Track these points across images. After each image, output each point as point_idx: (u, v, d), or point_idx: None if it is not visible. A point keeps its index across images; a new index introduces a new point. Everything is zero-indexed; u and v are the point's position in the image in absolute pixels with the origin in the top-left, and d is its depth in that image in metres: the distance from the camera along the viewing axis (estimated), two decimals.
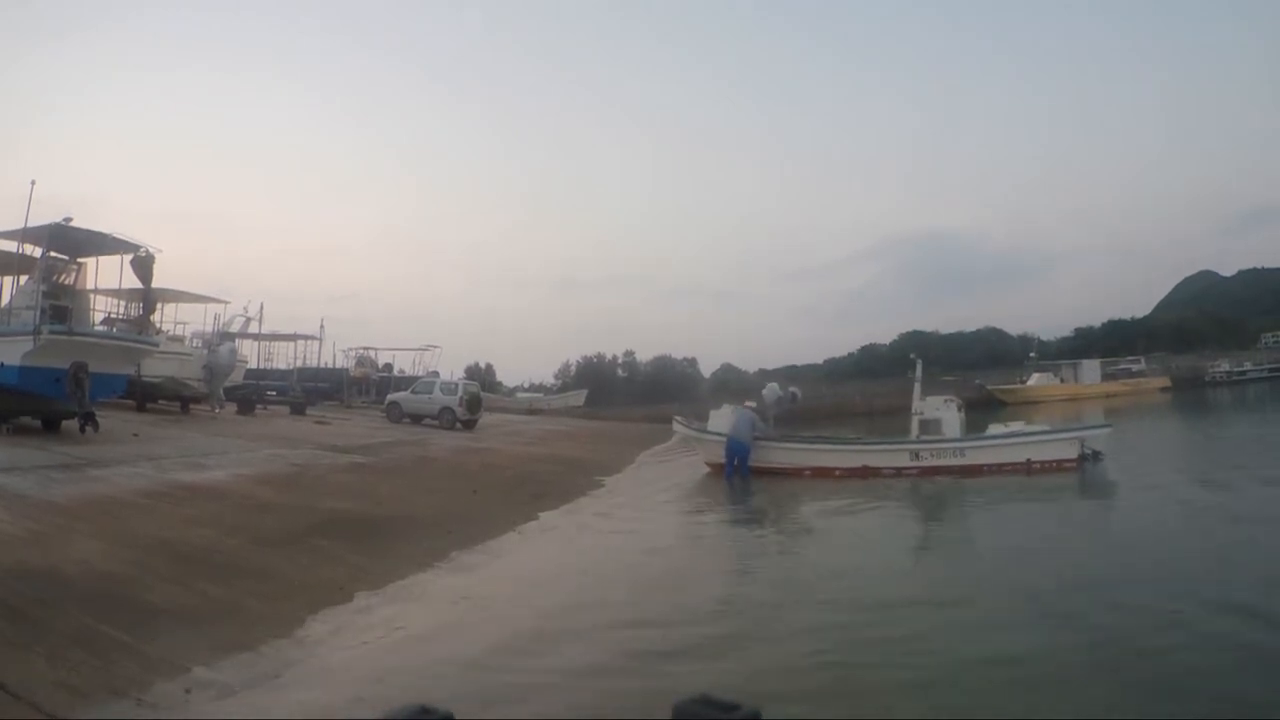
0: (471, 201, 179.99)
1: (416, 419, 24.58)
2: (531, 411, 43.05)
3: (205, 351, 23.47)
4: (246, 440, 15.17)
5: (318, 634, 5.78)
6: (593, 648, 5.63)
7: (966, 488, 13.58)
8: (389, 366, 36.83)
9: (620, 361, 77.41)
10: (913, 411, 16.26)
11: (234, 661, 5.00)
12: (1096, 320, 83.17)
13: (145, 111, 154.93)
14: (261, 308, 30.57)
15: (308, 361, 34.72)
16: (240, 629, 5.55)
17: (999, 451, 15.28)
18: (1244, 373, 55.47)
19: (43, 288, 15.79)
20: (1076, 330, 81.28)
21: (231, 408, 21.97)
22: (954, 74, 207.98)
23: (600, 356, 76.53)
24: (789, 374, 54.47)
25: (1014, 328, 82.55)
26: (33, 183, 14.90)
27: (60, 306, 16.11)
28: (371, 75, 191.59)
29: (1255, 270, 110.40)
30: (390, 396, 26.86)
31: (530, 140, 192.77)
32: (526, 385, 62.75)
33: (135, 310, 19.62)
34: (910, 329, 79.36)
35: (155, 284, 18.10)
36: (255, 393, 24.54)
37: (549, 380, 71.80)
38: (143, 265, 16.88)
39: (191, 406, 20.25)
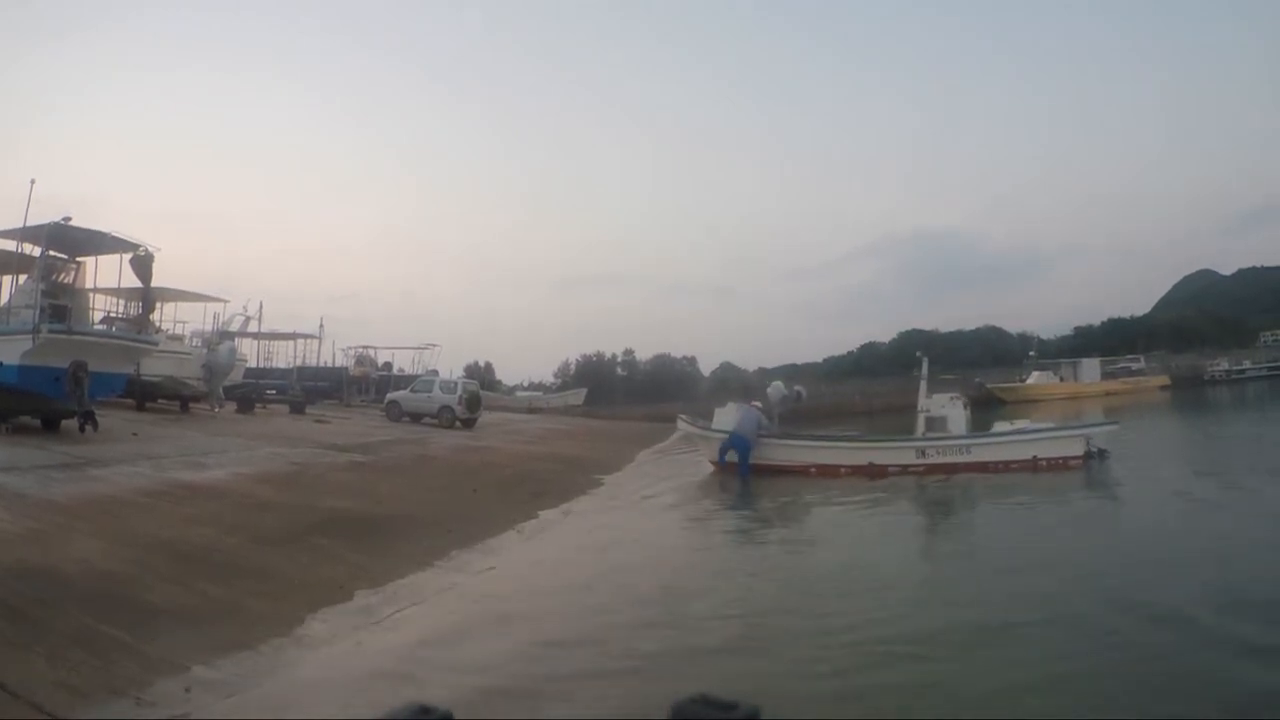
0: (471, 201, 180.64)
1: (416, 418, 24.57)
2: (531, 410, 43.01)
3: (204, 350, 23.49)
4: (246, 439, 15.15)
5: (317, 633, 5.78)
6: (593, 647, 5.63)
7: (975, 485, 13.54)
8: (388, 365, 36.80)
9: (620, 360, 77.55)
10: (919, 409, 16.25)
11: (234, 660, 5.00)
12: (1096, 319, 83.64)
13: (145, 111, 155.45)
14: (261, 307, 30.65)
15: (307, 360, 34.77)
16: (240, 628, 5.55)
17: (1006, 449, 15.24)
18: (1243, 371, 55.57)
19: (42, 287, 15.80)
20: (1076, 329, 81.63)
21: (231, 407, 21.95)
22: (954, 74, 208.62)
23: (600, 355, 76.76)
24: (789, 372, 54.37)
25: (1013, 326, 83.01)
26: (32, 182, 14.93)
27: (59, 305, 16.12)
28: (371, 75, 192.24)
29: (1255, 269, 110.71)
30: (390, 395, 26.84)
31: (530, 140, 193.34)
32: (526, 384, 62.58)
33: (134, 309, 19.65)
34: (910, 327, 79.80)
35: (154, 283, 18.13)
36: (255, 391, 24.52)
37: (548, 379, 71.80)
38: (142, 264, 16.89)
39: (191, 405, 20.21)
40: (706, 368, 79.46)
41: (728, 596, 7.18)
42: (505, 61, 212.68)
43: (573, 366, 74.93)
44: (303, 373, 32.59)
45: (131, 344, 16.91)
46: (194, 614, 5.65)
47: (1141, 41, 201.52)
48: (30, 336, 14.42)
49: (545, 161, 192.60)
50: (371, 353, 37.92)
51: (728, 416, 16.79)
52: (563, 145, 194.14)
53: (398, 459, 15.28)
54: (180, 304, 27.10)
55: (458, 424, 24.53)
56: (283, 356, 35.26)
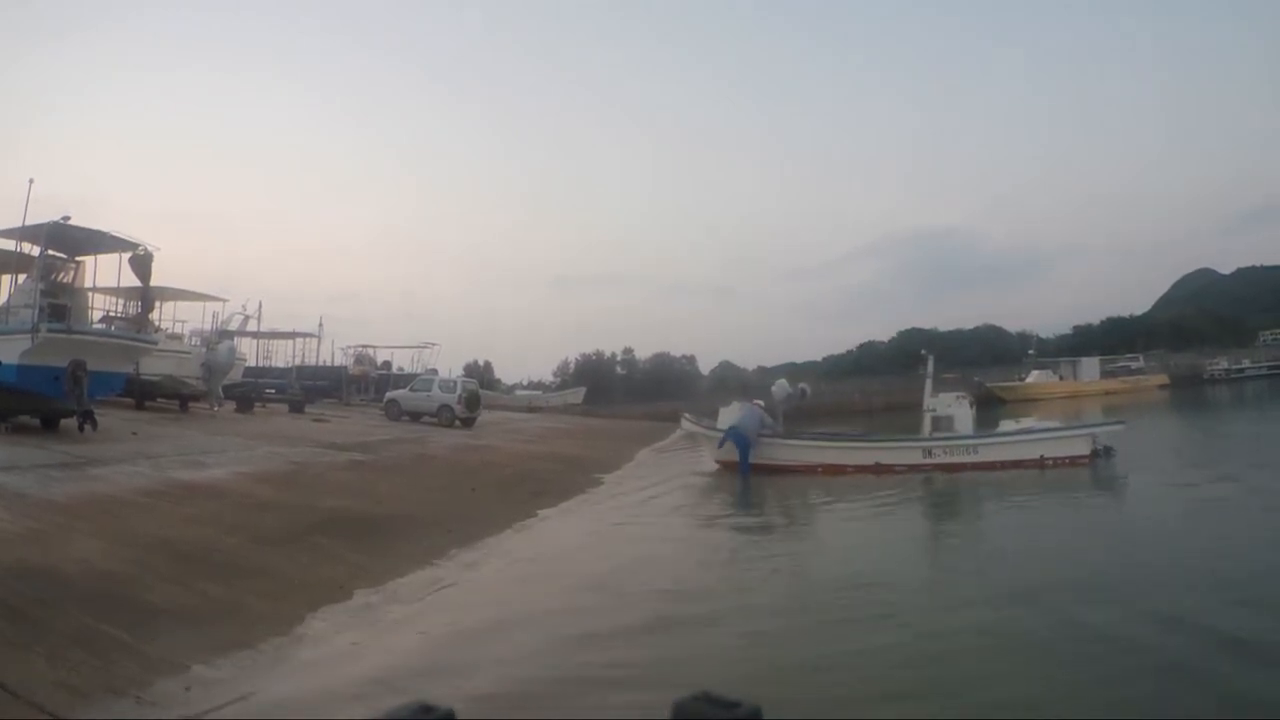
0: (471, 201, 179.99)
1: (415, 417, 24.57)
2: (530, 409, 43.01)
3: (204, 349, 23.43)
4: (245, 438, 15.14)
5: (318, 632, 5.79)
6: (593, 647, 5.64)
7: (983, 484, 13.50)
8: (388, 364, 36.79)
9: (619, 359, 77.56)
10: (925, 408, 16.21)
11: (234, 660, 5.00)
12: (1095, 318, 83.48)
13: (145, 111, 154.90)
14: (260, 306, 30.56)
15: (306, 359, 34.73)
16: (240, 627, 5.55)
17: (1013, 448, 15.22)
18: (1242, 370, 55.51)
19: (41, 286, 15.75)
20: (1075, 328, 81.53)
21: (230, 406, 21.93)
22: (954, 74, 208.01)
23: (599, 354, 76.77)
24: (788, 371, 54.18)
25: (1013, 325, 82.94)
26: (30, 181, 14.88)
27: (59, 305, 16.06)
28: (371, 75, 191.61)
29: (1254, 269, 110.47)
30: (389, 394, 26.83)
31: (530, 140, 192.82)
32: (525, 383, 62.47)
33: (134, 308, 19.60)
34: (909, 327, 79.82)
35: (154, 282, 18.09)
36: (254, 391, 24.53)
37: (548, 378, 71.77)
38: (141, 263, 16.85)
39: (190, 405, 20.20)
40: (706, 367, 79.70)
41: (728, 596, 7.18)
42: (505, 61, 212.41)
43: (572, 365, 74.96)
44: (302, 372, 32.55)
45: (130, 343, 16.88)
46: (194, 614, 5.65)
47: (1141, 41, 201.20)
48: (29, 336, 14.38)
49: (545, 161, 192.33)
50: (371, 352, 37.96)
51: (731, 416, 16.79)
52: (563, 145, 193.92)
53: (397, 458, 15.27)
54: (179, 303, 27.04)
55: (457, 423, 24.52)
56: (282, 356, 35.28)
